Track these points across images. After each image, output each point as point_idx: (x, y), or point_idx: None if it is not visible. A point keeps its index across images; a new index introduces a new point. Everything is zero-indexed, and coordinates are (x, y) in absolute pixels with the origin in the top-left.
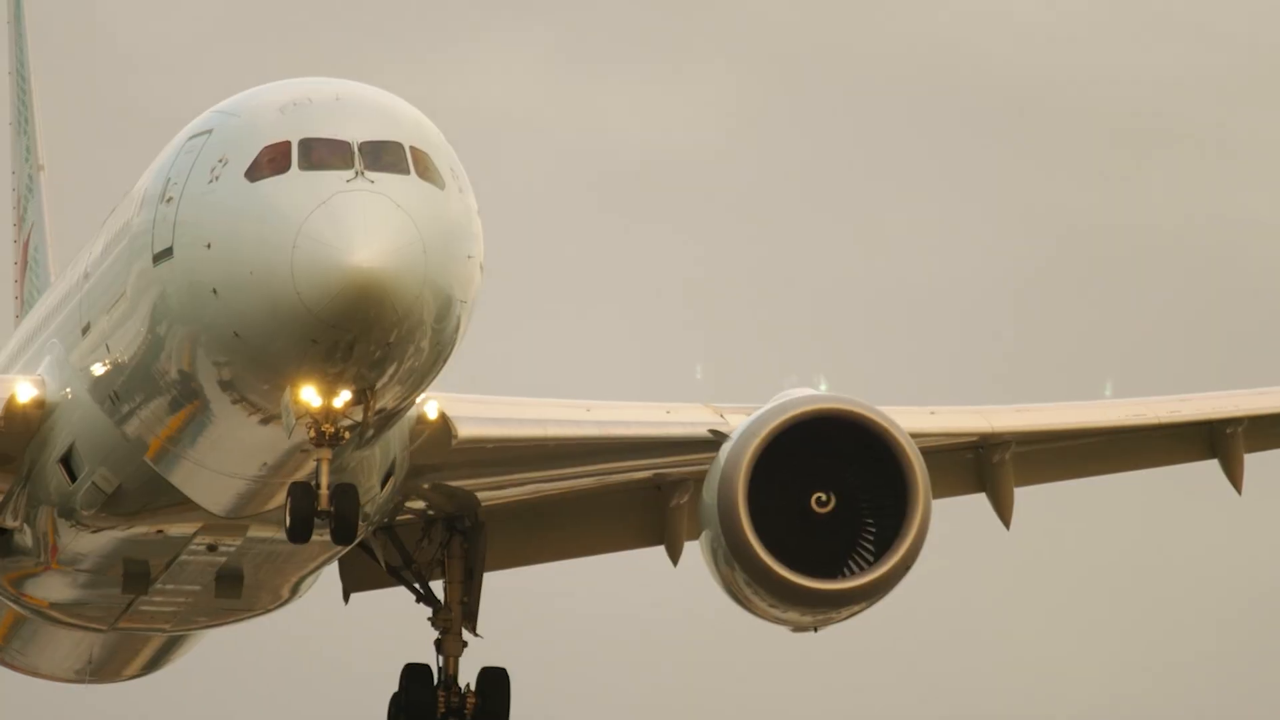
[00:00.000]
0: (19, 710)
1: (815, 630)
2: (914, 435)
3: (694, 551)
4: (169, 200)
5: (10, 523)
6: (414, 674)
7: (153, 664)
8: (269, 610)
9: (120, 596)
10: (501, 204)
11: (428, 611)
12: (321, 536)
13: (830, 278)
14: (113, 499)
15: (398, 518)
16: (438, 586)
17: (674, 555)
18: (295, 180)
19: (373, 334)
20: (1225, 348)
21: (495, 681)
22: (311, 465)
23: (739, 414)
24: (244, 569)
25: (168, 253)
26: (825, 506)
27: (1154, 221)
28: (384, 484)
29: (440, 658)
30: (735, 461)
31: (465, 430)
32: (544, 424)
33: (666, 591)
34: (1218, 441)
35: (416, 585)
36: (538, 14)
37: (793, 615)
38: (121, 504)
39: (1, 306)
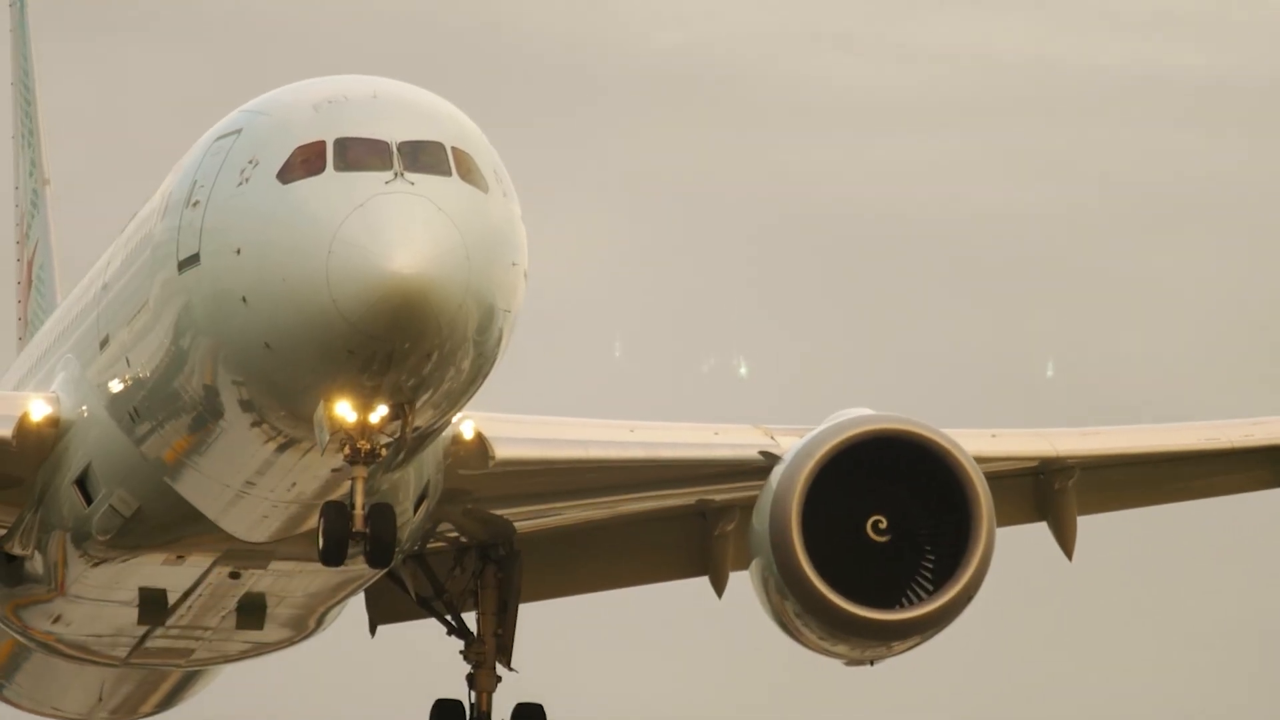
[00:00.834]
0: None
1: (871, 664)
2: (974, 459)
3: (740, 582)
4: (195, 204)
5: (20, 550)
6: (445, 711)
7: (166, 702)
8: (292, 643)
9: (135, 628)
10: (537, 211)
11: (459, 644)
12: (353, 562)
13: (885, 295)
14: (131, 523)
15: (429, 545)
16: (470, 618)
17: (719, 586)
18: (330, 182)
19: (413, 345)
20: None
21: (531, 718)
22: (345, 485)
23: (790, 435)
24: (267, 598)
25: (194, 259)
26: (883, 531)
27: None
28: (417, 508)
29: (473, 693)
30: (788, 485)
31: (503, 451)
32: (585, 445)
33: (711, 624)
34: None
35: (448, 617)
36: None
37: (846, 648)
38: (140, 528)
39: (2, 325)
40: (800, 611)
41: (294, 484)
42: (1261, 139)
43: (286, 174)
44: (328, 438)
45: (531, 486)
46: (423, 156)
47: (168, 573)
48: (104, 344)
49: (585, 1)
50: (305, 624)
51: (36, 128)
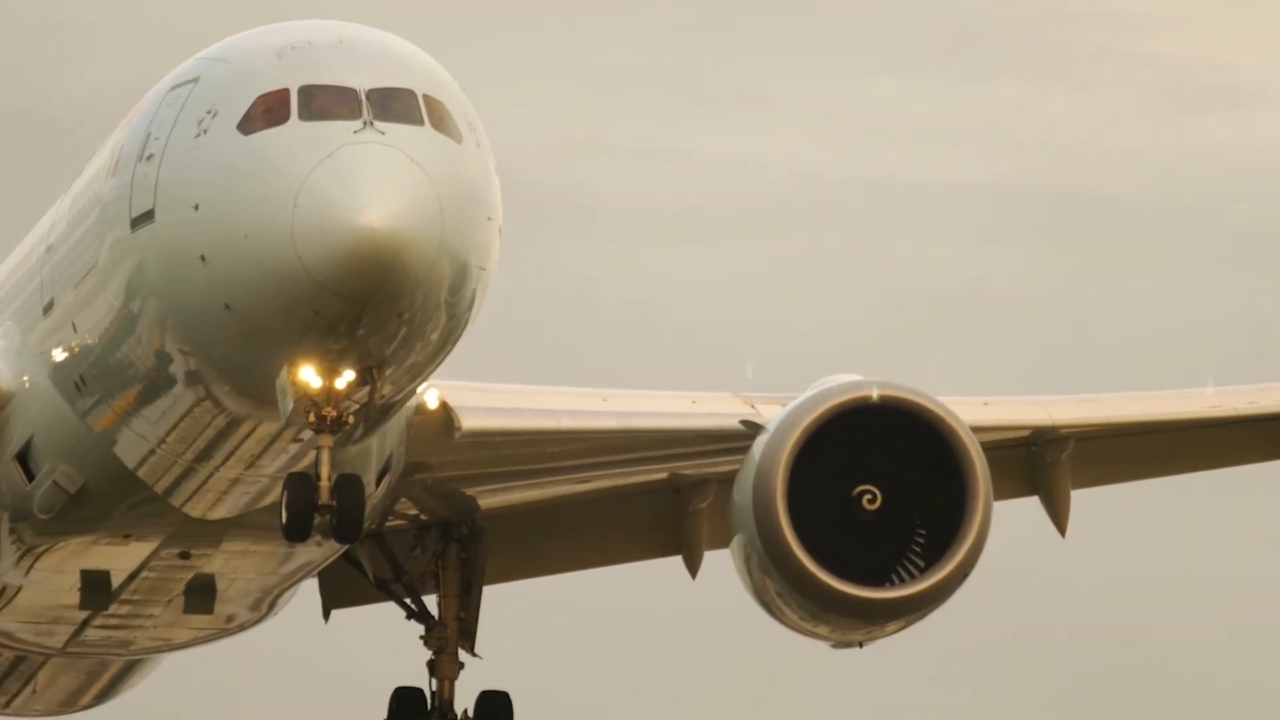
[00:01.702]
0: None
1: (860, 646)
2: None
3: (714, 562)
4: (149, 158)
5: None
6: (405, 699)
7: (103, 695)
8: (242, 628)
9: (76, 613)
10: (506, 169)
11: (419, 629)
12: (313, 541)
13: (864, 261)
14: (76, 500)
15: (387, 524)
16: (431, 602)
17: (692, 566)
18: (295, 132)
19: (383, 304)
20: None
21: (496, 707)
22: (309, 457)
23: (772, 405)
24: (217, 580)
25: (148, 216)
26: (873, 504)
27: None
28: (378, 482)
29: (434, 681)
30: (772, 456)
31: (469, 421)
32: (556, 415)
33: (684, 606)
34: None
35: (408, 600)
36: None
37: (828, 629)
38: (86, 506)
39: None
40: (784, 590)
41: (252, 455)
42: (1037, 247)
43: (248, 124)
44: (291, 405)
45: (499, 459)
46: (393, 105)
47: (113, 553)
48: (48, 309)
49: None
50: (256, 608)
51: None
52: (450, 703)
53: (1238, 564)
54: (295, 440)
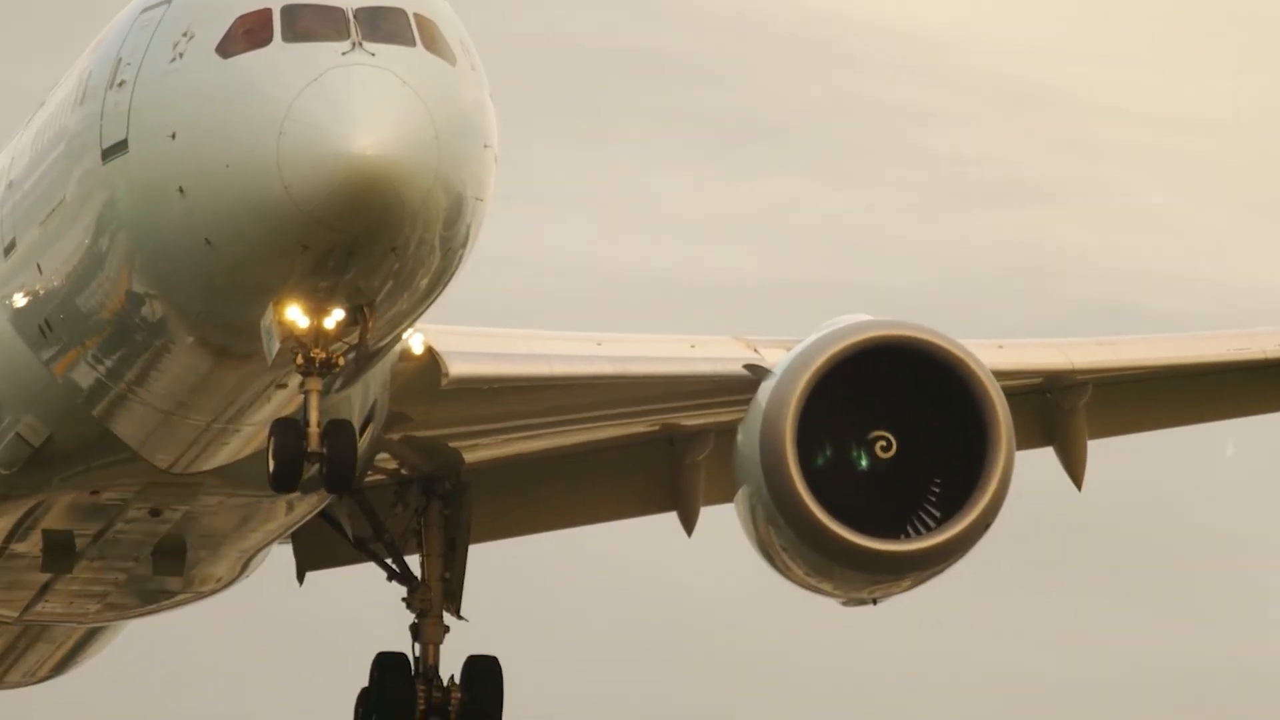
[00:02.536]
0: None
1: (875, 602)
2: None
3: (710, 518)
4: (120, 85)
5: None
6: (387, 665)
7: (60, 666)
8: (212, 592)
9: (36, 577)
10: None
11: (402, 592)
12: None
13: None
14: (39, 455)
15: (366, 479)
16: (413, 563)
17: (688, 523)
18: (279, 54)
19: (376, 237)
20: None
21: (484, 673)
22: (292, 404)
23: (776, 349)
24: (189, 539)
25: (120, 147)
26: (887, 452)
27: None
28: (361, 433)
29: (417, 646)
30: (781, 401)
31: (457, 367)
32: (549, 360)
33: (680, 565)
34: None
35: (389, 560)
36: None
37: (832, 585)
38: (50, 460)
39: None
40: (792, 543)
41: (232, 403)
42: None
43: (227, 47)
44: (277, 346)
45: (487, 407)
46: (383, 24)
47: (79, 511)
48: (9, 250)
49: None
50: (229, 569)
51: None
52: (436, 668)
53: (1267, 518)
54: (280, 385)
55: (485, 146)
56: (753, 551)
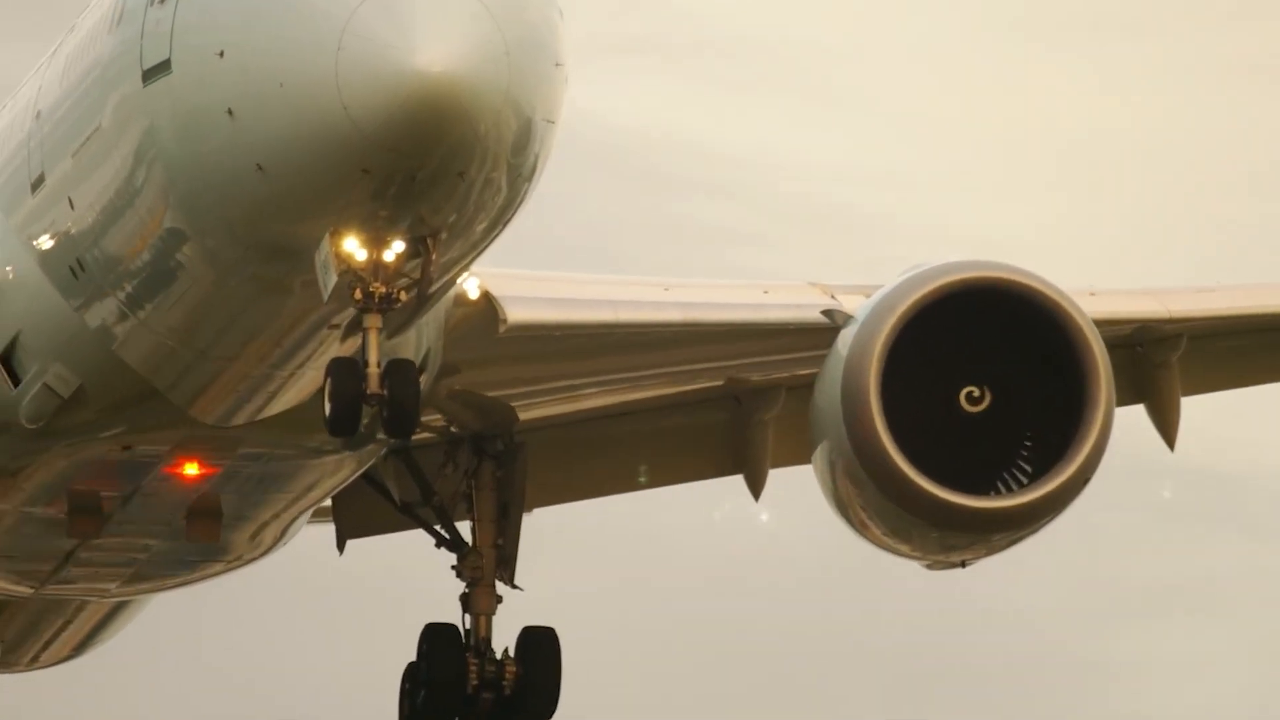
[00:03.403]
0: None
1: (964, 565)
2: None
3: (780, 481)
4: (162, 1)
5: None
6: (436, 637)
7: (81, 645)
8: (247, 561)
9: (60, 544)
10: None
11: (451, 559)
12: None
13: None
14: (68, 406)
15: (414, 436)
16: (463, 528)
17: (755, 487)
18: None
19: (441, 161)
20: None
21: (541, 645)
22: (347, 348)
23: (855, 295)
24: (225, 501)
25: (163, 68)
26: (978, 404)
27: None
28: None
29: (468, 617)
30: (863, 347)
31: (515, 313)
32: (614, 306)
33: (747, 531)
34: None
35: (438, 525)
36: None
37: (927, 544)
38: (80, 413)
39: None
40: (875, 501)
41: (280, 346)
42: None
43: None
44: (334, 280)
45: (545, 359)
46: None
47: (108, 470)
48: (37, 184)
49: None
50: (267, 536)
51: None
52: (488, 641)
53: None
54: (333, 325)
55: (556, 65)
56: (825, 517)
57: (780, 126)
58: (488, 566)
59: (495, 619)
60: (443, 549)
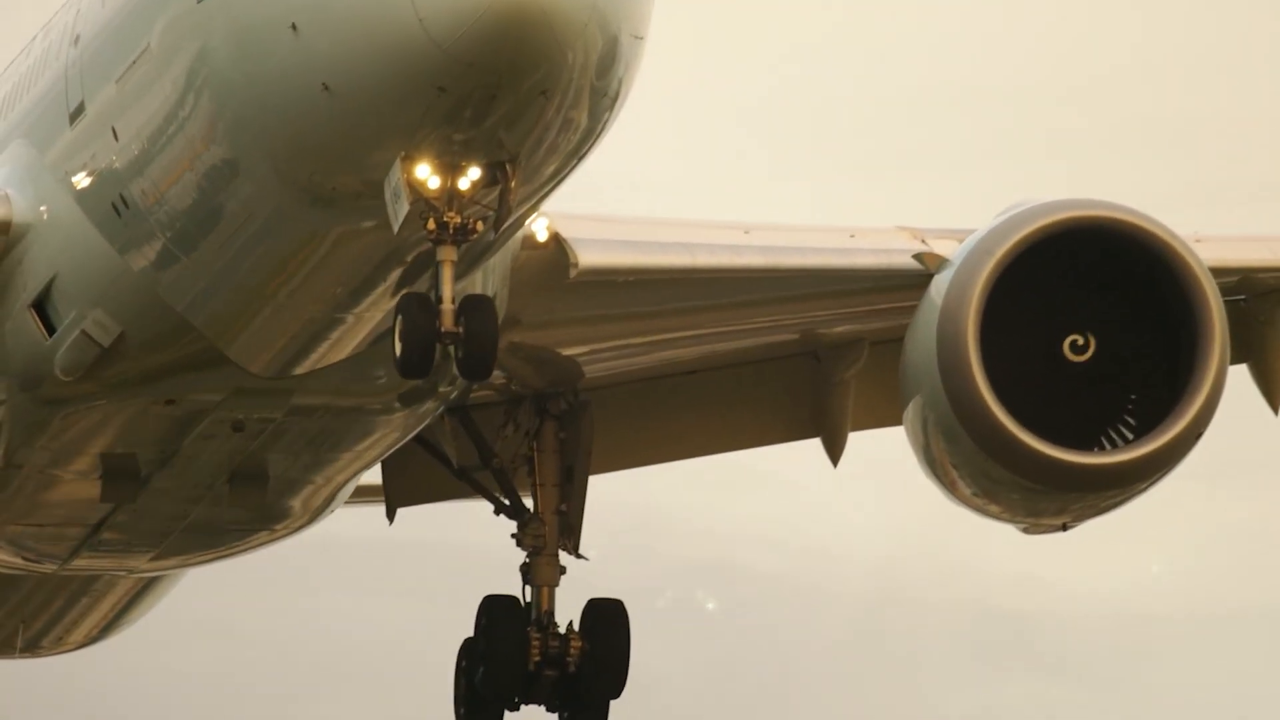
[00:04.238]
0: None
1: (1065, 529)
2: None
3: (860, 446)
4: None
5: None
6: (496, 610)
7: (108, 626)
8: (293, 530)
9: (90, 512)
10: None
11: (511, 527)
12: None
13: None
14: (108, 356)
15: (471, 394)
16: (525, 496)
17: (834, 451)
18: None
19: (523, 78)
20: None
21: (608, 618)
22: (419, 283)
23: (948, 240)
24: (272, 462)
25: None
26: (1083, 353)
27: None
28: None
29: (529, 589)
30: (961, 293)
31: (587, 257)
32: (691, 249)
33: (825, 496)
34: None
35: (497, 491)
36: None
37: (1027, 505)
38: (120, 363)
39: None
40: (971, 458)
41: (342, 285)
42: None
43: None
44: (406, 209)
45: (617, 307)
46: None
47: (150, 425)
48: (76, 115)
49: None
50: (316, 502)
51: None
52: (551, 614)
53: None
54: (400, 263)
55: None
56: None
57: None
58: (550, 535)
59: (559, 591)
60: (502, 516)
